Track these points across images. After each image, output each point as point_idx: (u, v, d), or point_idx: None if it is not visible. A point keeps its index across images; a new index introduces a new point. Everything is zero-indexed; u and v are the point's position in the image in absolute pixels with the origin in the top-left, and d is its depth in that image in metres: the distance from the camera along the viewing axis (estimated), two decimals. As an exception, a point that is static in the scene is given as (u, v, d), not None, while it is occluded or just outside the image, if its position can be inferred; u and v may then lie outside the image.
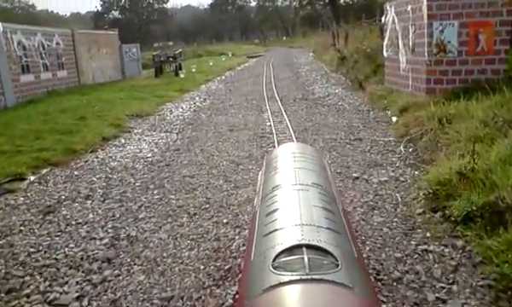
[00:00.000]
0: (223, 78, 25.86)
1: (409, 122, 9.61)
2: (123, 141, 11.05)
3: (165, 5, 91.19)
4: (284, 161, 4.08)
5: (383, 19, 14.19)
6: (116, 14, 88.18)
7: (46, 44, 18.49)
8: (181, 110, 15.10)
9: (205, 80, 24.35)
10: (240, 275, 4.05)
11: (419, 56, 11.25)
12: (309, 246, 2.31)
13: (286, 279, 2.07)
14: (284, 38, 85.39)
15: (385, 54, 13.75)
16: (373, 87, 14.67)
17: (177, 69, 25.80)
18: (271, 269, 2.20)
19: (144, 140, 11.00)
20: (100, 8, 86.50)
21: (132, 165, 8.67)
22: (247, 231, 5.06)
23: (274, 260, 2.27)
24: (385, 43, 13.71)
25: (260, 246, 2.58)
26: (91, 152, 9.96)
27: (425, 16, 10.57)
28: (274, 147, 8.75)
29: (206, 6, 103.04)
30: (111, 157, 9.48)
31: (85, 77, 21.67)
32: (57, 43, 19.46)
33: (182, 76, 21.49)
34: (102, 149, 10.22)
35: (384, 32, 14.10)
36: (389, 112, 11.56)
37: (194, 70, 24.24)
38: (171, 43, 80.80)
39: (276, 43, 75.54)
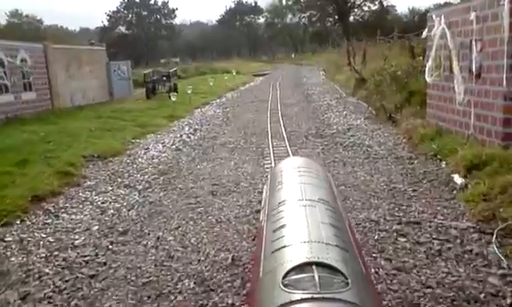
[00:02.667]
0: (223, 100, 22.29)
1: (491, 192, 5.93)
2: (60, 203, 7.46)
3: (172, 21, 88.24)
4: (289, 176, 4.01)
5: (424, 33, 10.53)
6: (123, 29, 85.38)
7: (6, 61, 15.00)
8: (160, 147, 11.52)
9: (202, 103, 20.80)
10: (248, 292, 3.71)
11: (489, 85, 7.60)
12: (318, 264, 2.28)
13: (297, 297, 2.04)
14: (293, 56, 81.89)
15: (428, 79, 10.08)
16: (410, 122, 11.03)
17: (170, 90, 22.27)
18: (281, 286, 2.16)
19: (91, 203, 7.41)
20: (107, 24, 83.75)
21: (38, 270, 5.04)
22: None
23: (284, 278, 2.23)
24: (428, 64, 10.04)
25: (269, 263, 2.53)
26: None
27: (505, 27, 6.93)
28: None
29: (214, 22, 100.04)
30: (22, 242, 5.86)
31: (61, 99, 18.17)
32: (22, 60, 16.00)
33: (173, 99, 17.89)
34: (21, 221, 6.63)
35: (426, 51, 10.44)
36: (444, 165, 7.90)
37: (189, 91, 20.65)
38: (177, 60, 77.78)
39: (285, 61, 72.07)
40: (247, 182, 7.70)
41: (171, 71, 24.55)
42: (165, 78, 23.34)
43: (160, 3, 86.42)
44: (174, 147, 11.48)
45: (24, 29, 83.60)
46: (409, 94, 12.89)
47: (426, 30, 10.37)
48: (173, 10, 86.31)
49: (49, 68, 17.43)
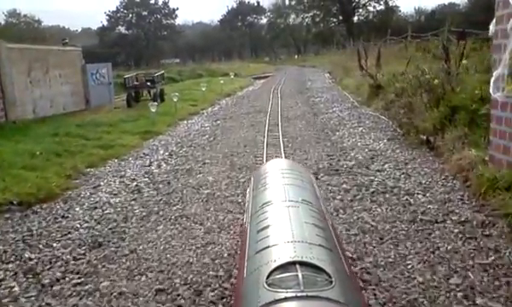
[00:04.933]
0: (215, 109, 18.88)
1: None
2: None
3: (173, 21, 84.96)
4: (273, 177, 4.01)
5: (492, 27, 7.12)
6: (123, 29, 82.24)
7: None
8: (115, 185, 8.23)
9: (189, 113, 17.45)
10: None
11: None
12: (302, 263, 2.29)
13: (281, 296, 2.04)
14: (296, 57, 78.60)
15: (496, 93, 6.71)
16: (462, 154, 7.67)
17: (155, 97, 18.91)
18: (266, 286, 2.16)
19: None
20: (106, 23, 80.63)
21: None
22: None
23: (268, 277, 2.23)
24: (496, 73, 6.67)
25: (253, 262, 2.53)
26: None
27: None
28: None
29: (216, 22, 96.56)
30: None
31: (20, 109, 14.81)
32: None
33: (153, 110, 14.56)
34: None
35: (493, 52, 7.04)
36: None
37: (175, 99, 17.31)
38: (177, 61, 74.83)
39: (288, 62, 68.58)
40: (216, 286, 4.31)
41: (155, 75, 21.07)
42: (149, 84, 19.90)
43: (160, 3, 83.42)
44: (134, 185, 8.16)
45: (22, 29, 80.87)
46: (451, 110, 9.52)
47: (493, 23, 6.98)
48: (174, 10, 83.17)
49: (2, 72, 14.09)
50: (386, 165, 8.35)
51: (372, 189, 6.96)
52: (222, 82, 26.88)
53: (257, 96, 22.17)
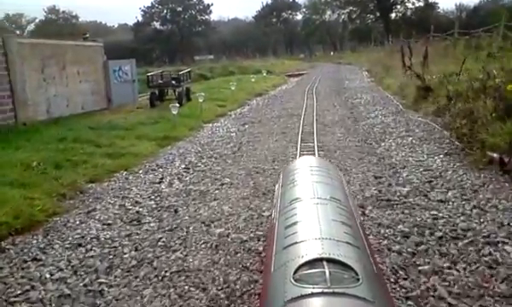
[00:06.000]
0: (244, 110, 17.15)
1: None
2: None
3: (207, 17, 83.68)
4: (302, 174, 3.97)
5: None
6: (157, 25, 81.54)
7: None
8: (114, 210, 6.68)
9: (216, 115, 15.83)
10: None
11: None
12: (329, 260, 2.27)
13: (308, 291, 2.03)
14: (332, 53, 76.18)
15: None
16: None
17: (180, 97, 17.34)
18: (292, 281, 2.15)
19: None
20: (141, 19, 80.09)
21: None
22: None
23: (295, 272, 2.22)
24: None
25: (280, 258, 2.51)
26: None
27: None
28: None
29: (251, 18, 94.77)
30: None
31: (32, 110, 13.47)
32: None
33: (174, 112, 13.02)
34: None
35: None
36: None
37: (201, 100, 15.74)
38: (211, 57, 73.69)
39: (323, 59, 66.21)
40: None
41: (181, 72, 19.46)
42: (174, 82, 18.32)
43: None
44: (135, 211, 6.58)
45: (60, 24, 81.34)
46: (531, 123, 7.58)
47: None
48: (208, 6, 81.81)
49: (12, 69, 12.78)
50: (449, 193, 6.51)
51: (438, 233, 5.14)
52: (253, 80, 25.16)
53: (290, 97, 20.31)
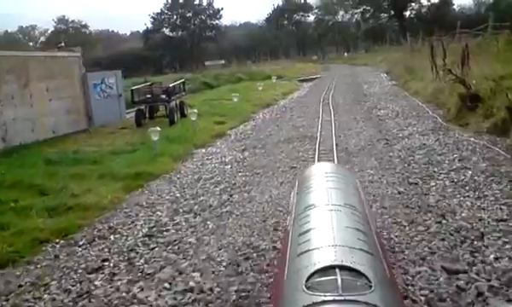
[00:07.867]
0: (246, 128, 14.06)
1: None
2: None
3: (218, 21, 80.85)
4: (317, 181, 3.92)
5: None
6: (167, 31, 79.00)
7: None
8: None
9: (212, 135, 12.85)
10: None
11: None
12: (342, 267, 2.22)
13: (319, 299, 2.00)
14: (345, 54, 72.78)
15: None
16: None
17: (171, 114, 14.36)
18: (305, 289, 2.12)
19: None
20: (150, 26, 77.56)
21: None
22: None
23: (307, 280, 2.19)
24: None
25: (293, 265, 2.47)
26: None
27: None
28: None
29: (262, 21, 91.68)
30: None
31: (-20, 138, 10.72)
32: None
33: (154, 137, 10.12)
34: None
35: None
36: None
37: (194, 118, 12.79)
38: (222, 62, 70.86)
39: (337, 60, 62.76)
40: None
41: (172, 85, 16.32)
42: (164, 96, 15.24)
43: (204, 4, 79.44)
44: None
45: (70, 34, 79.23)
46: None
47: None
48: (218, 10, 78.98)
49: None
50: None
51: None
52: (260, 88, 22.03)
53: (302, 108, 17.08)
